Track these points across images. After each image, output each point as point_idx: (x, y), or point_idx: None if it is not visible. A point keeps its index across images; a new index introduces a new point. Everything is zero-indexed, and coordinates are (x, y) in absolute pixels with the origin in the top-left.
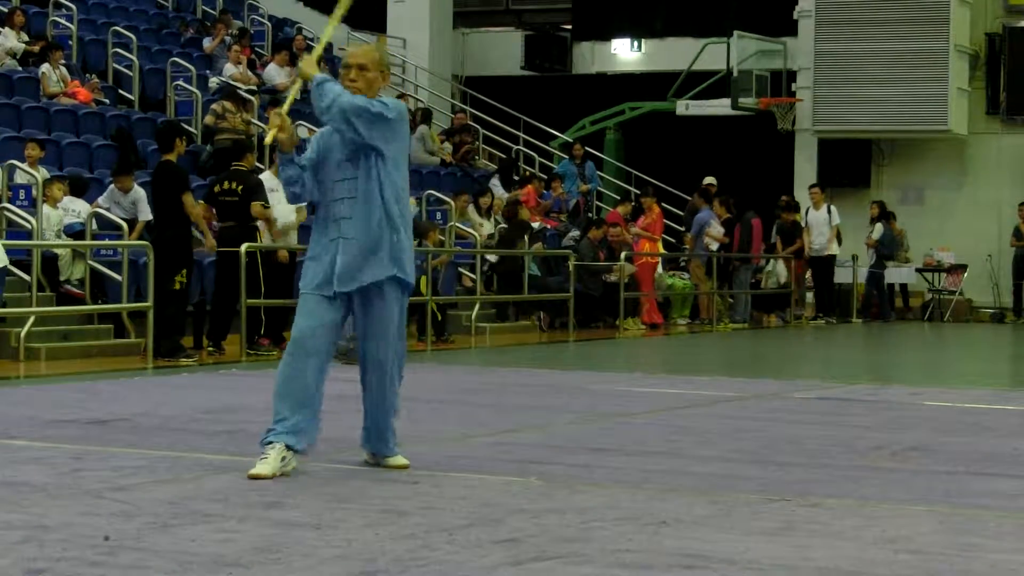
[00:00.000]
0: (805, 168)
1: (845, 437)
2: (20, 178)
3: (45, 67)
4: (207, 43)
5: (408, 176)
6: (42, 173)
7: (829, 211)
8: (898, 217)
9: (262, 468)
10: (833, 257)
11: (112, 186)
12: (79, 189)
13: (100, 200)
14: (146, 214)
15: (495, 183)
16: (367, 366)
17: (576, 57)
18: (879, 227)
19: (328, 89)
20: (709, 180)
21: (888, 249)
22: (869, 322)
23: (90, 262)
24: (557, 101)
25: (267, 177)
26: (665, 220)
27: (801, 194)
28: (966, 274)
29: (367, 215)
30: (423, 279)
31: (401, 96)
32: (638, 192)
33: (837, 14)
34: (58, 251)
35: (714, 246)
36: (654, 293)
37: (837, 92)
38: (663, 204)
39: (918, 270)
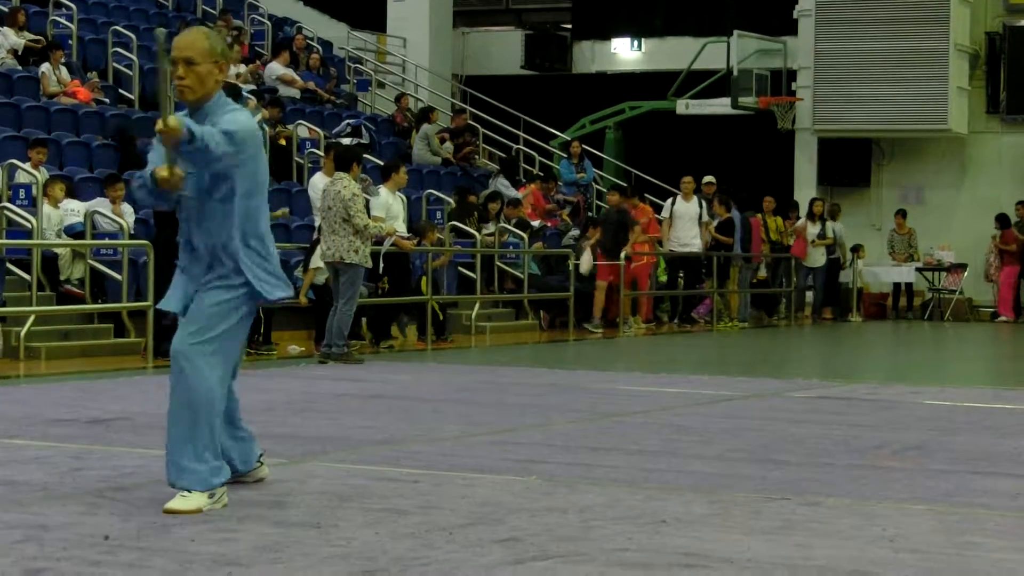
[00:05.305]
0: (805, 167)
1: (845, 436)
2: (20, 178)
3: (45, 67)
4: None
5: None
6: (43, 174)
7: (700, 205)
8: (899, 216)
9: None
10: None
11: (101, 198)
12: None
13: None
14: (130, 221)
15: (504, 184)
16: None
17: (576, 56)
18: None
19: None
20: (708, 179)
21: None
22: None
23: (90, 262)
24: (557, 100)
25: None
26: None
27: (801, 194)
28: (966, 273)
29: None
30: (423, 279)
31: (401, 96)
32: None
33: (837, 14)
34: (58, 251)
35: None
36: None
37: (837, 91)
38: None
39: (918, 269)
